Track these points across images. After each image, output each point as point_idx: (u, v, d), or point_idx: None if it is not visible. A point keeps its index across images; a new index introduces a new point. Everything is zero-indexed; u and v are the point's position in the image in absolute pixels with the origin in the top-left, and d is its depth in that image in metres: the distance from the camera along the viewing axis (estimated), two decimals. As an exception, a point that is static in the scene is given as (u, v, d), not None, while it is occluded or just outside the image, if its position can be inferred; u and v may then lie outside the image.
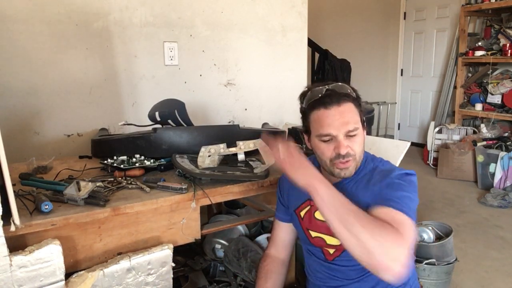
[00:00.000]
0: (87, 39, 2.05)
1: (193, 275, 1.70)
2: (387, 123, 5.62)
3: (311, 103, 1.10)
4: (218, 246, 1.84)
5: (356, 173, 1.13)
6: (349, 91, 1.10)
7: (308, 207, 1.21)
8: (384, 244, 0.84)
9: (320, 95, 1.08)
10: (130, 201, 1.18)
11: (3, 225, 0.94)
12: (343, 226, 0.88)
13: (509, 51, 3.84)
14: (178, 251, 1.60)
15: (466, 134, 4.20)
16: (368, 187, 1.10)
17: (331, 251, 1.19)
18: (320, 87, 1.10)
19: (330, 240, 1.17)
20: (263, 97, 2.67)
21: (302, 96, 1.15)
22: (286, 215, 1.31)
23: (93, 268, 1.11)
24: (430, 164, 4.36)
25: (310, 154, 1.28)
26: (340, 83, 1.12)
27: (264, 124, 2.33)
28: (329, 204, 0.91)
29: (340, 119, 1.05)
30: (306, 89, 1.14)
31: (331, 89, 1.09)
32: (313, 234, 1.21)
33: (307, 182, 0.95)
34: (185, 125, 1.67)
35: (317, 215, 1.18)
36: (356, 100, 1.11)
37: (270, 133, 1.91)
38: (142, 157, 1.53)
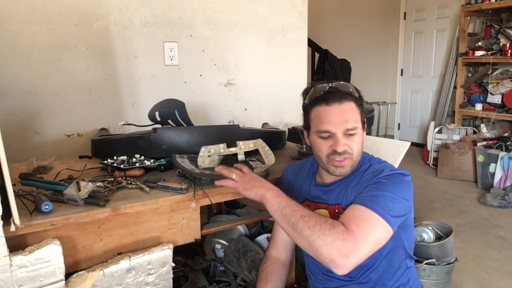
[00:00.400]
0: (87, 39, 2.05)
1: (193, 275, 1.70)
2: (387, 123, 5.62)
3: (313, 99, 1.11)
4: (218, 246, 1.84)
5: (352, 173, 1.14)
6: (351, 90, 1.11)
7: (306, 207, 1.21)
8: (329, 243, 0.91)
9: (322, 92, 1.09)
10: (130, 201, 1.18)
11: (3, 225, 0.94)
12: (293, 229, 0.97)
13: (509, 51, 3.84)
14: (178, 251, 1.61)
15: (466, 134, 4.20)
16: (356, 187, 1.10)
17: None
18: (324, 85, 1.11)
19: None
20: (263, 97, 2.67)
21: (305, 93, 1.16)
22: None
23: (93, 268, 1.11)
24: (430, 164, 4.36)
25: (310, 155, 1.29)
26: (343, 82, 1.13)
27: (264, 124, 2.33)
28: (279, 210, 1.01)
29: (340, 117, 1.06)
30: (310, 85, 1.16)
31: (334, 87, 1.10)
32: None
33: (259, 194, 1.06)
34: (185, 125, 1.67)
35: None
36: (358, 100, 1.11)
37: (270, 133, 1.91)
38: (142, 157, 1.52)
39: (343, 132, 1.07)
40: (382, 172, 1.07)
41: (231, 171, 1.14)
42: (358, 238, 0.92)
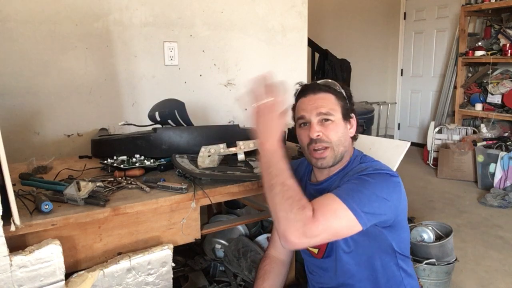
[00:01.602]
0: (87, 39, 2.05)
1: (193, 275, 1.70)
2: (387, 123, 5.62)
3: (296, 96, 1.20)
4: (218, 246, 1.84)
5: (342, 170, 1.15)
6: (332, 86, 1.16)
7: None
8: (291, 220, 0.93)
9: (301, 87, 1.18)
10: (130, 201, 1.18)
11: (3, 225, 0.94)
12: (269, 189, 0.97)
13: (509, 51, 3.84)
14: (178, 251, 1.61)
15: (466, 134, 4.20)
16: (340, 183, 1.10)
17: (315, 250, 1.21)
18: (305, 84, 1.20)
19: None
20: (263, 97, 2.66)
21: (294, 94, 1.22)
22: None
23: (93, 268, 1.11)
24: (430, 164, 4.36)
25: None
26: (330, 80, 1.18)
27: (264, 124, 2.32)
28: (266, 164, 0.99)
29: (313, 104, 1.12)
30: (298, 86, 1.22)
31: (314, 82, 1.18)
32: None
33: (260, 138, 1.01)
34: (185, 125, 1.67)
35: None
36: (339, 94, 1.15)
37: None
38: (142, 157, 1.52)
39: (317, 118, 1.11)
40: (367, 170, 1.08)
41: (271, 91, 1.02)
42: (319, 228, 0.93)
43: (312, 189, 1.21)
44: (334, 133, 1.11)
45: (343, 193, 1.00)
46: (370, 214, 0.98)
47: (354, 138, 1.21)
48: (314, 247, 1.21)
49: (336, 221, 0.96)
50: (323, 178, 1.19)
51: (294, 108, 1.21)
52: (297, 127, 1.18)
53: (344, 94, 1.16)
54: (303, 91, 1.17)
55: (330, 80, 1.18)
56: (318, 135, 1.10)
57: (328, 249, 1.16)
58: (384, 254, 1.13)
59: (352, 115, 1.18)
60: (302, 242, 0.93)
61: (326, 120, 1.11)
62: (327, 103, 1.12)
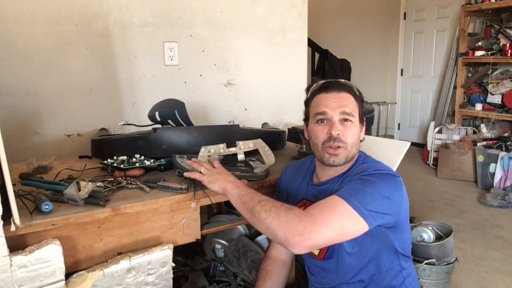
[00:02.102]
0: (87, 39, 2.05)
1: (193, 275, 1.70)
2: (387, 123, 5.62)
3: (313, 91, 1.16)
4: (218, 246, 1.84)
5: (346, 172, 1.15)
6: (352, 86, 1.15)
7: (302, 206, 1.21)
8: (284, 223, 0.94)
9: (323, 83, 1.16)
10: (130, 201, 1.18)
11: (3, 225, 0.94)
12: (251, 214, 1.02)
13: (509, 51, 3.84)
14: (178, 251, 1.61)
15: (466, 134, 4.20)
16: (342, 185, 1.10)
17: (316, 251, 1.20)
18: (327, 80, 1.17)
19: None
20: (263, 97, 2.67)
21: (307, 89, 1.20)
22: None
23: (93, 268, 1.11)
24: (430, 164, 4.36)
25: (310, 154, 1.29)
26: (346, 81, 1.18)
27: (264, 124, 2.33)
28: (238, 198, 1.08)
29: (337, 102, 1.11)
30: (312, 82, 1.20)
31: (337, 80, 1.16)
32: None
33: (221, 187, 1.14)
34: (185, 125, 1.67)
35: None
36: (357, 96, 1.15)
37: (270, 133, 1.91)
38: (142, 157, 1.52)
39: (339, 117, 1.10)
40: (368, 170, 1.08)
41: (201, 164, 1.21)
42: (316, 221, 0.93)
43: (314, 189, 1.21)
44: (351, 134, 1.11)
45: (344, 193, 0.99)
46: (374, 212, 0.98)
47: (360, 141, 1.21)
48: None
49: (337, 217, 0.95)
50: (326, 178, 1.18)
51: (308, 102, 1.18)
52: (312, 122, 1.15)
53: (360, 97, 1.17)
54: (326, 88, 1.14)
55: (345, 80, 1.17)
56: (339, 134, 1.09)
57: (330, 250, 1.16)
58: (387, 255, 1.13)
59: (364, 119, 1.18)
60: (304, 239, 0.91)
61: (347, 120, 1.10)
62: (349, 103, 1.11)
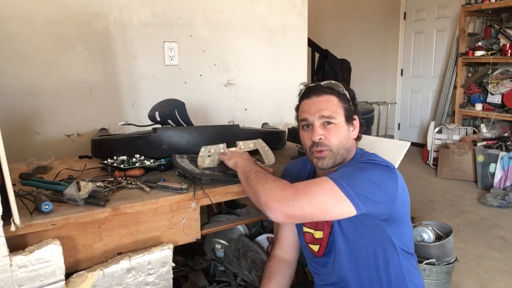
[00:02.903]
0: (87, 39, 2.05)
1: (193, 275, 1.70)
2: (387, 123, 5.62)
3: (300, 97, 1.20)
4: (218, 246, 1.84)
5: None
6: (336, 88, 1.15)
7: None
8: (268, 189, 1.02)
9: (305, 88, 1.19)
10: (130, 201, 1.18)
11: (3, 225, 0.94)
12: (247, 183, 1.12)
13: (509, 51, 3.84)
14: (178, 251, 1.61)
15: (466, 134, 4.20)
16: None
17: (316, 248, 1.21)
18: (313, 84, 1.19)
19: (317, 234, 1.19)
20: (263, 97, 2.67)
21: (298, 94, 1.22)
22: None
23: (93, 268, 1.11)
24: (430, 164, 4.36)
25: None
26: (334, 81, 1.18)
27: (264, 124, 2.33)
28: (242, 171, 1.18)
29: (316, 106, 1.12)
30: (303, 86, 1.22)
31: (317, 84, 1.17)
32: (305, 229, 1.24)
33: (234, 162, 1.26)
34: (185, 125, 1.67)
35: None
36: (342, 96, 1.15)
37: (270, 133, 1.91)
38: (142, 157, 1.52)
39: (320, 121, 1.11)
40: (362, 159, 1.11)
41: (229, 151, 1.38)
42: (298, 192, 0.98)
43: None
44: (335, 136, 1.11)
45: (333, 175, 1.02)
46: (362, 196, 0.98)
47: (358, 139, 1.21)
48: (315, 243, 1.21)
49: (321, 193, 0.98)
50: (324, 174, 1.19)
51: (297, 109, 1.21)
52: (300, 128, 1.19)
53: (348, 96, 1.16)
54: (306, 93, 1.17)
55: (333, 82, 1.17)
56: (320, 139, 1.11)
57: (328, 245, 1.16)
58: (384, 249, 1.12)
59: (355, 116, 1.18)
60: (283, 205, 0.97)
61: (329, 123, 1.11)
62: (330, 105, 1.12)
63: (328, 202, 0.98)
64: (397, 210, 1.08)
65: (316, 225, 1.20)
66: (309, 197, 0.97)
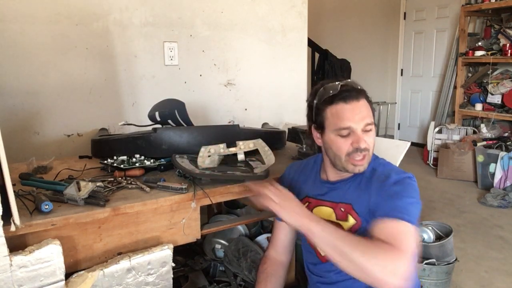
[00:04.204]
0: (87, 39, 2.05)
1: (193, 275, 1.70)
2: (387, 123, 5.62)
3: (328, 98, 1.10)
4: (218, 246, 1.84)
5: (357, 174, 1.14)
6: (364, 90, 1.14)
7: (306, 204, 1.21)
8: (379, 263, 0.89)
9: (338, 90, 1.09)
10: (130, 201, 1.18)
11: (3, 225, 0.94)
12: (338, 254, 0.94)
13: (509, 51, 3.84)
14: (178, 251, 1.60)
15: (466, 134, 4.20)
16: (367, 190, 1.10)
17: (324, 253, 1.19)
18: (334, 83, 1.11)
19: None
20: (263, 97, 2.67)
21: (315, 93, 1.15)
22: None
23: (93, 268, 1.11)
24: (430, 164, 4.36)
25: (310, 155, 1.29)
26: (350, 80, 1.14)
27: (264, 124, 2.33)
28: (322, 238, 0.97)
29: (359, 114, 1.08)
30: (319, 85, 1.15)
31: (347, 84, 1.11)
32: None
33: (299, 224, 1.00)
34: (185, 125, 1.67)
35: (315, 212, 1.18)
36: (368, 98, 1.14)
37: (270, 133, 1.91)
38: (142, 157, 1.52)
39: (363, 129, 1.08)
40: (390, 177, 1.07)
41: (264, 187, 1.06)
42: (407, 256, 0.91)
43: (325, 186, 1.20)
44: (372, 140, 1.11)
45: (397, 213, 0.99)
46: (416, 218, 1.01)
47: None
48: None
49: (412, 241, 0.96)
50: (337, 178, 1.17)
51: (320, 111, 1.12)
52: (331, 134, 1.10)
53: (370, 98, 1.15)
54: (344, 98, 1.07)
55: (353, 81, 1.14)
56: (366, 146, 1.08)
57: None
58: None
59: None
60: (399, 278, 0.88)
61: (369, 130, 1.09)
62: (368, 111, 1.10)
63: (416, 245, 0.98)
64: None
65: None
66: (412, 255, 0.93)
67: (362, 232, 1.08)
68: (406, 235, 0.96)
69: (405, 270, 0.89)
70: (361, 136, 1.07)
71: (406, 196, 1.03)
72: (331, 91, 1.09)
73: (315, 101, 1.14)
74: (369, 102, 1.12)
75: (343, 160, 1.10)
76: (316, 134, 1.17)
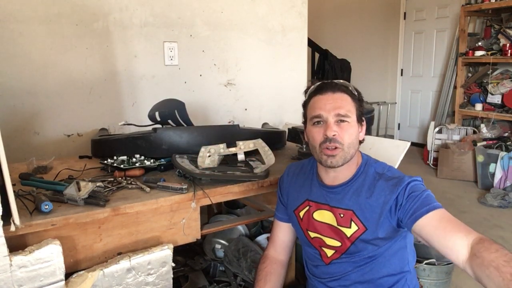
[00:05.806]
0: (87, 39, 2.05)
1: (193, 275, 1.70)
2: (387, 123, 5.62)
3: (310, 93, 1.16)
4: (218, 246, 1.84)
5: (355, 176, 1.14)
6: (349, 87, 1.14)
7: (307, 207, 1.21)
8: None
9: (319, 85, 1.15)
10: (130, 201, 1.18)
11: (3, 225, 0.94)
12: None
13: (509, 51, 3.84)
14: (178, 251, 1.61)
15: (466, 134, 4.20)
16: (375, 194, 1.09)
17: (330, 253, 1.18)
18: (323, 81, 1.16)
19: (329, 241, 1.16)
20: (263, 97, 2.67)
21: (305, 91, 1.19)
22: (286, 215, 1.31)
23: (93, 268, 1.11)
24: (430, 164, 4.36)
25: (310, 155, 1.28)
26: (342, 81, 1.16)
27: (264, 124, 2.33)
28: None
29: (332, 103, 1.10)
30: (310, 84, 1.19)
31: (332, 81, 1.15)
32: (312, 234, 1.21)
33: None
34: (185, 125, 1.67)
35: (316, 216, 1.18)
36: (354, 96, 1.14)
37: (270, 133, 1.91)
38: (142, 157, 1.52)
39: (335, 118, 1.09)
40: (403, 181, 1.07)
41: None
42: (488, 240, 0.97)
43: (323, 190, 1.19)
44: (348, 135, 1.09)
45: (437, 204, 1.04)
46: None
47: (361, 142, 1.19)
48: (330, 248, 1.18)
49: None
50: (337, 183, 1.16)
51: (305, 105, 1.18)
52: (309, 125, 1.14)
53: (357, 96, 1.15)
54: (320, 89, 1.13)
55: (343, 81, 1.16)
56: (335, 134, 1.08)
57: (350, 251, 1.14)
58: (398, 255, 1.14)
59: (363, 118, 1.17)
60: None
61: (342, 121, 1.09)
62: (345, 104, 1.10)
63: None
64: None
65: (328, 232, 1.17)
66: None
67: (367, 237, 1.09)
68: (461, 223, 1.08)
69: None
70: (330, 124, 1.08)
71: (424, 192, 1.05)
72: (312, 87, 1.15)
73: (305, 99, 1.19)
74: (354, 98, 1.13)
75: (318, 152, 1.12)
76: (304, 130, 1.21)
